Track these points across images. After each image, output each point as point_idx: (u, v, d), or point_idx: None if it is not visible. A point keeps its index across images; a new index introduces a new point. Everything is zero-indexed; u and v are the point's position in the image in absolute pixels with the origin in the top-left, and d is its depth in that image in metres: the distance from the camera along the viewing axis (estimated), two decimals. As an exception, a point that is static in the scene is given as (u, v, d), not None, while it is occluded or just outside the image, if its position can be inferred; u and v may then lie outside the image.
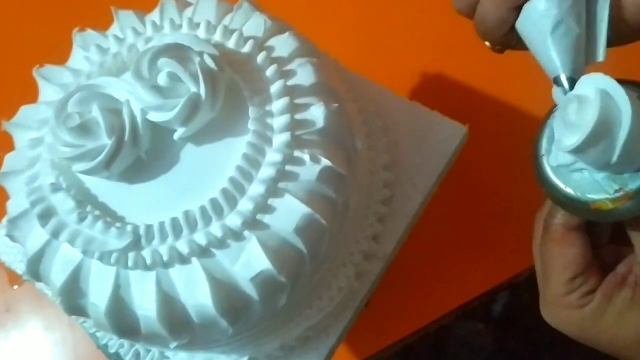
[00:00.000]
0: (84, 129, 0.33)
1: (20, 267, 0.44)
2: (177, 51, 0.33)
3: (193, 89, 0.33)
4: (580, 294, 0.29)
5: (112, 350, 0.40)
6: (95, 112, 0.33)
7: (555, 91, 0.29)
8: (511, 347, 0.75)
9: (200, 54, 0.33)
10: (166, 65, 0.33)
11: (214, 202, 0.32)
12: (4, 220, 0.45)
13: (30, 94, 0.39)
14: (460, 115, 0.45)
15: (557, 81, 0.29)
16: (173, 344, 0.34)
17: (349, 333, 0.43)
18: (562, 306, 0.30)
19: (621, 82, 0.27)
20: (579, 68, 0.29)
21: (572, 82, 0.28)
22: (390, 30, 0.62)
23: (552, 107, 0.30)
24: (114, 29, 0.38)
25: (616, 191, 0.27)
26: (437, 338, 0.77)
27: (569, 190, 0.28)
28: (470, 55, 0.60)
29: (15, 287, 0.62)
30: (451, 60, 0.59)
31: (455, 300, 0.55)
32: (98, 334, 0.41)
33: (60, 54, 0.40)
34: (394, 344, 0.56)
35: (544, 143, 0.30)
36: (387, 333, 0.56)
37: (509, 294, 0.73)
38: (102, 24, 0.40)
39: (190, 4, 0.38)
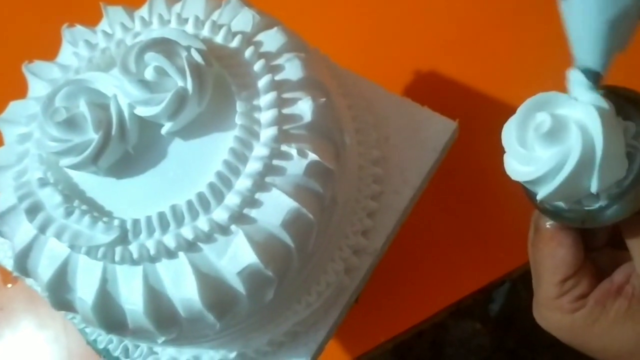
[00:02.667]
0: (71, 123, 0.33)
1: (10, 264, 0.44)
2: (164, 45, 0.33)
3: (180, 83, 0.33)
4: (572, 298, 0.28)
5: (101, 346, 0.40)
6: (83, 107, 0.33)
7: (576, 78, 0.28)
8: (509, 347, 0.75)
9: (188, 48, 0.33)
10: (153, 60, 0.33)
11: (201, 196, 0.32)
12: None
13: (20, 90, 0.39)
14: (452, 112, 0.45)
15: (586, 73, 0.27)
16: (160, 339, 0.34)
17: (341, 330, 0.43)
18: (552, 309, 0.29)
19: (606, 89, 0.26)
20: (609, 64, 0.27)
21: (598, 78, 0.27)
22: (382, 27, 0.62)
23: None
24: (103, 25, 0.38)
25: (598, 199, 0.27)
26: (435, 338, 0.77)
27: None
28: (462, 53, 0.60)
29: (9, 285, 0.62)
30: (443, 58, 0.59)
31: (449, 298, 0.55)
32: (87, 330, 0.41)
33: (50, 50, 0.40)
34: (388, 342, 0.56)
35: None
36: (380, 331, 0.56)
37: (507, 293, 0.73)
38: (92, 20, 0.40)
39: (179, 0, 0.38)
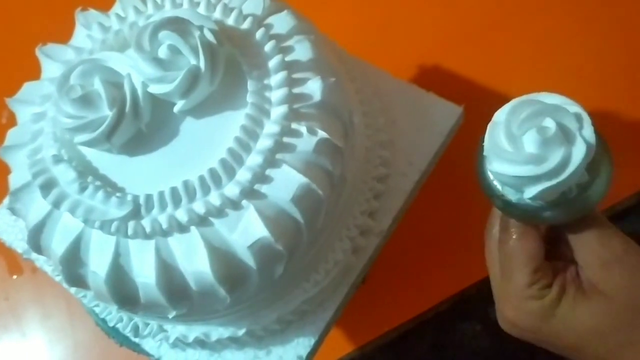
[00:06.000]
0: (86, 100, 0.34)
1: (20, 246, 0.45)
2: (178, 24, 0.33)
3: (193, 61, 0.33)
4: (541, 286, 0.31)
5: (110, 324, 0.40)
6: (97, 85, 0.34)
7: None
8: (510, 349, 0.75)
9: (200, 28, 0.34)
10: (167, 38, 0.33)
11: (212, 172, 0.33)
12: (5, 200, 0.46)
13: (33, 74, 0.40)
14: (457, 101, 0.45)
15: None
16: (172, 314, 0.34)
17: (344, 320, 0.43)
18: (524, 298, 0.31)
19: None
20: None
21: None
22: (388, 18, 0.62)
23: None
24: (116, 8, 0.39)
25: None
26: (435, 340, 0.77)
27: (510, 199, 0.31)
28: (466, 45, 0.61)
29: (15, 276, 0.62)
30: (446, 50, 0.60)
31: (453, 287, 0.56)
32: (97, 309, 0.41)
33: (60, 37, 0.41)
34: (392, 331, 0.57)
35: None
36: (384, 320, 0.56)
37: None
38: (104, 6, 0.41)
39: (191, -16, 0.39)
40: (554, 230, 0.33)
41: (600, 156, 0.30)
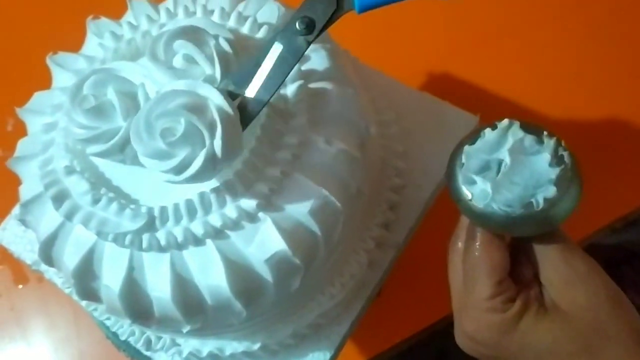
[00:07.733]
0: (100, 111, 0.33)
1: (29, 257, 0.44)
2: (193, 34, 0.33)
3: (208, 71, 0.33)
4: (505, 299, 0.30)
5: (122, 338, 0.39)
6: (111, 95, 0.33)
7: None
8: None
9: (216, 37, 0.33)
10: (182, 48, 0.33)
11: (228, 184, 0.32)
12: (13, 210, 0.45)
13: (41, 83, 0.39)
14: (467, 109, 0.45)
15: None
16: (186, 328, 0.33)
17: (355, 331, 0.42)
18: (486, 310, 0.31)
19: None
20: None
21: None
22: (398, 26, 0.62)
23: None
24: (128, 17, 0.39)
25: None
26: (441, 347, 0.77)
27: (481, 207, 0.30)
28: (477, 51, 0.60)
29: (20, 286, 0.62)
30: (458, 57, 0.60)
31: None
32: (108, 322, 0.40)
33: (72, 46, 0.40)
34: (401, 344, 0.56)
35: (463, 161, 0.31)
36: (394, 331, 0.55)
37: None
38: (116, 14, 0.40)
39: (204, -8, 0.38)
40: (518, 245, 0.32)
41: (571, 174, 0.29)
